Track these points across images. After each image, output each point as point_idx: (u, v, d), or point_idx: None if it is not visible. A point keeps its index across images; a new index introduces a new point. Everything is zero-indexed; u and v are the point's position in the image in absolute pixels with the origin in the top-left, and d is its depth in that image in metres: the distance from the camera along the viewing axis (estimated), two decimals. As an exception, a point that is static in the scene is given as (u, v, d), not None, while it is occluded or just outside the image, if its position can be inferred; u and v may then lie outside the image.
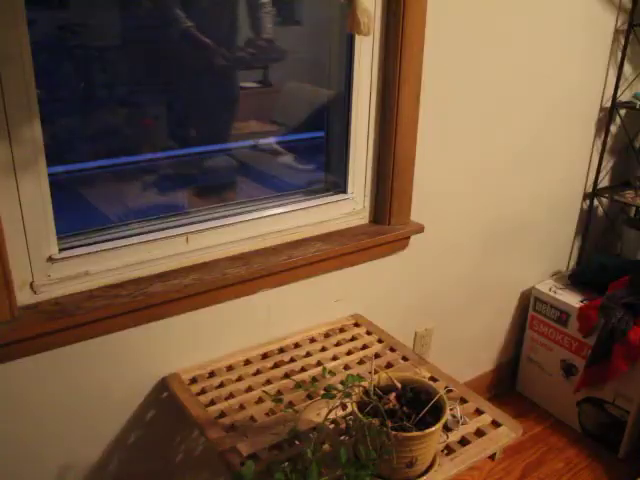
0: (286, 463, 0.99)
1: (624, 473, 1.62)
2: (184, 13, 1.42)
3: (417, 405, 1.06)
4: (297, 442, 1.06)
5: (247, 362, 1.40)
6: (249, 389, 1.30)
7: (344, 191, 1.58)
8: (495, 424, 1.22)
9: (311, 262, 1.46)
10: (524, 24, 1.68)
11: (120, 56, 1.50)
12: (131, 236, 1.30)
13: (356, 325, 1.56)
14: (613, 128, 2.07)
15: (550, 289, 2.04)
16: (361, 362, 1.39)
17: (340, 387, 1.09)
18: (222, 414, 1.22)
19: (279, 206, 1.49)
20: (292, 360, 1.40)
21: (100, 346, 1.24)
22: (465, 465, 1.12)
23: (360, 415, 1.01)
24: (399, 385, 1.11)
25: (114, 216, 1.47)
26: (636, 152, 2.14)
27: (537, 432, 1.94)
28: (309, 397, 1.27)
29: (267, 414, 1.21)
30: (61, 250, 1.20)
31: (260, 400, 1.26)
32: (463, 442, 1.17)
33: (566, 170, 2.02)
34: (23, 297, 1.17)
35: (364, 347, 1.45)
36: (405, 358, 1.41)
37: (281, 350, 1.44)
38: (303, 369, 1.36)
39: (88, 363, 1.25)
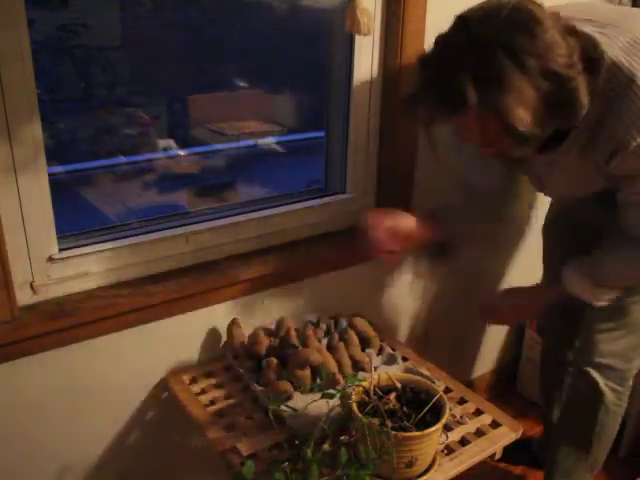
0: (286, 463, 0.99)
1: (624, 473, 1.62)
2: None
3: (417, 405, 1.07)
4: (297, 442, 1.06)
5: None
6: (249, 388, 1.30)
7: (344, 191, 1.58)
8: (495, 424, 1.22)
9: (311, 262, 1.47)
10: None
11: (120, 56, 1.50)
12: (131, 236, 1.30)
13: (356, 325, 1.56)
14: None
15: (550, 289, 2.03)
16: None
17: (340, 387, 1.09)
18: (222, 414, 1.22)
19: (279, 206, 1.49)
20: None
21: (100, 346, 1.24)
22: (465, 465, 1.12)
23: (360, 415, 1.01)
24: (399, 385, 1.11)
25: (114, 216, 1.47)
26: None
27: (537, 432, 1.93)
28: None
29: (267, 414, 1.21)
30: (61, 250, 1.20)
31: (260, 400, 1.26)
32: (463, 442, 1.17)
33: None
34: (23, 297, 1.17)
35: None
36: (405, 358, 1.41)
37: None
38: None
39: (88, 363, 1.25)
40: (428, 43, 1.48)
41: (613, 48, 1.03)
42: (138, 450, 1.38)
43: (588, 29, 1.05)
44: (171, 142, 1.68)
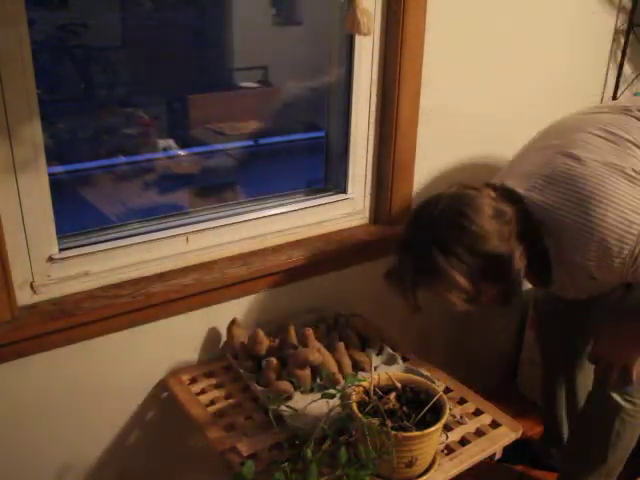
0: (286, 463, 0.99)
1: (624, 473, 1.62)
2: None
3: (417, 405, 1.07)
4: (297, 442, 1.06)
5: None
6: (249, 388, 1.30)
7: (344, 191, 1.58)
8: (495, 424, 1.22)
9: (311, 262, 1.46)
10: (523, 25, 1.68)
11: (120, 56, 1.50)
12: (131, 236, 1.30)
13: (356, 325, 1.56)
14: (613, 128, 2.07)
15: (550, 289, 2.03)
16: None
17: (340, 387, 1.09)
18: (222, 414, 1.22)
19: (279, 206, 1.49)
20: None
21: (100, 346, 1.24)
22: (465, 465, 1.12)
23: (360, 415, 1.01)
24: (399, 385, 1.11)
25: (114, 216, 1.47)
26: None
27: (537, 432, 1.93)
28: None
29: (267, 414, 1.21)
30: (61, 250, 1.20)
31: (260, 400, 1.26)
32: (463, 442, 1.17)
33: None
34: (23, 297, 1.17)
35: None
36: (405, 358, 1.41)
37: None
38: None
39: (88, 363, 1.25)
40: (428, 43, 1.48)
41: (538, 196, 1.15)
42: (138, 450, 1.38)
43: (522, 183, 1.17)
44: (171, 142, 1.68)
